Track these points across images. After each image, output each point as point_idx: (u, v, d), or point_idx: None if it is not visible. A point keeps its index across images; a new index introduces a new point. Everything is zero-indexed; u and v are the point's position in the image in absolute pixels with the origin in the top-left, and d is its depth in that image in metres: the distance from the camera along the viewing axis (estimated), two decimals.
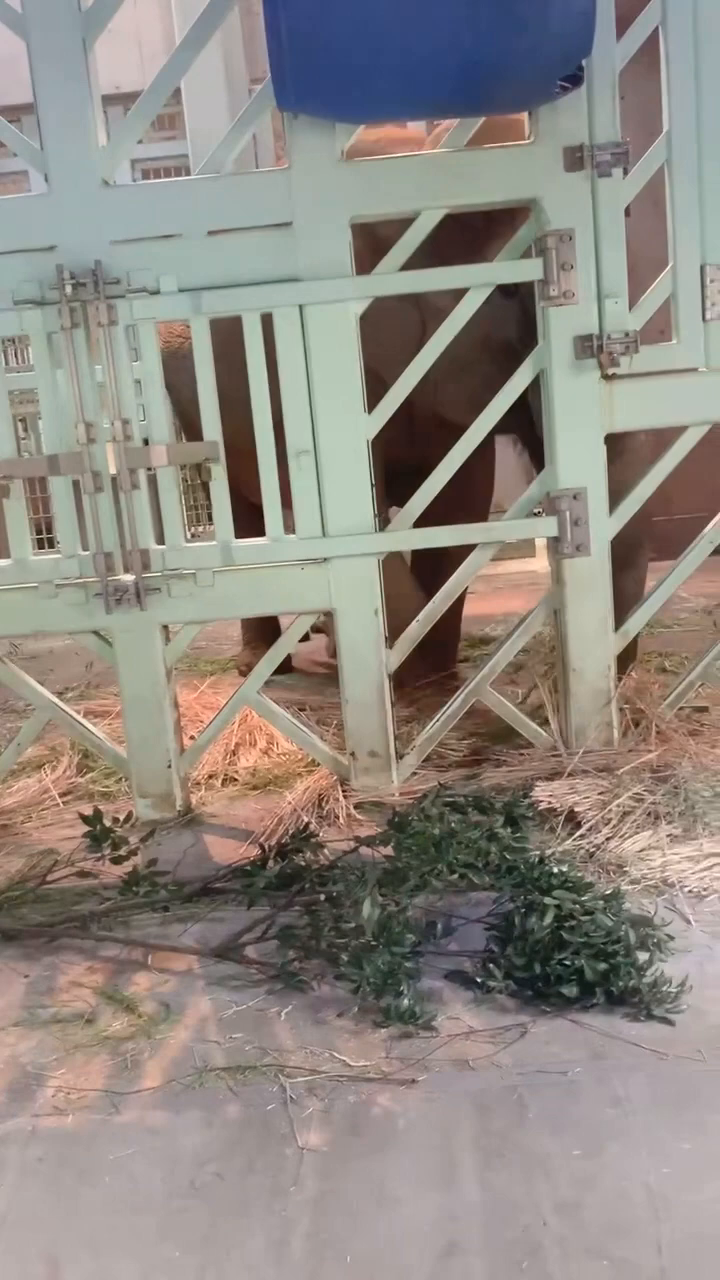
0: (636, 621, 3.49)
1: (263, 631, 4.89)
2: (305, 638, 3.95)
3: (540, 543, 4.86)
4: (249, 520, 3.47)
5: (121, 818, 3.13)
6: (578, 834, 2.96)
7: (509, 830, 2.80)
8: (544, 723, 3.56)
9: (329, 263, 3.18)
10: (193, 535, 3.43)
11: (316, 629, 4.80)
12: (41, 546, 3.53)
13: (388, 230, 3.26)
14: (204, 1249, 1.73)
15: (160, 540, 3.37)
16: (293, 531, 3.36)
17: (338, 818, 3.32)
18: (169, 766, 3.49)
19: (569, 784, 3.20)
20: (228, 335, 3.28)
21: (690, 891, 2.68)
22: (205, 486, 3.71)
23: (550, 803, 3.10)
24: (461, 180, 3.19)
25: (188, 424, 4.35)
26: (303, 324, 3.22)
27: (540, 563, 5.56)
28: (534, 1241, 1.69)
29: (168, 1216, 1.81)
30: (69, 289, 3.15)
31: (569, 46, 2.87)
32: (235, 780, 3.79)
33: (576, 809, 3.05)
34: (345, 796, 3.42)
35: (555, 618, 3.50)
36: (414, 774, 3.52)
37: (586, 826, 2.98)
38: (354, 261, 3.20)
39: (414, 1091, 2.05)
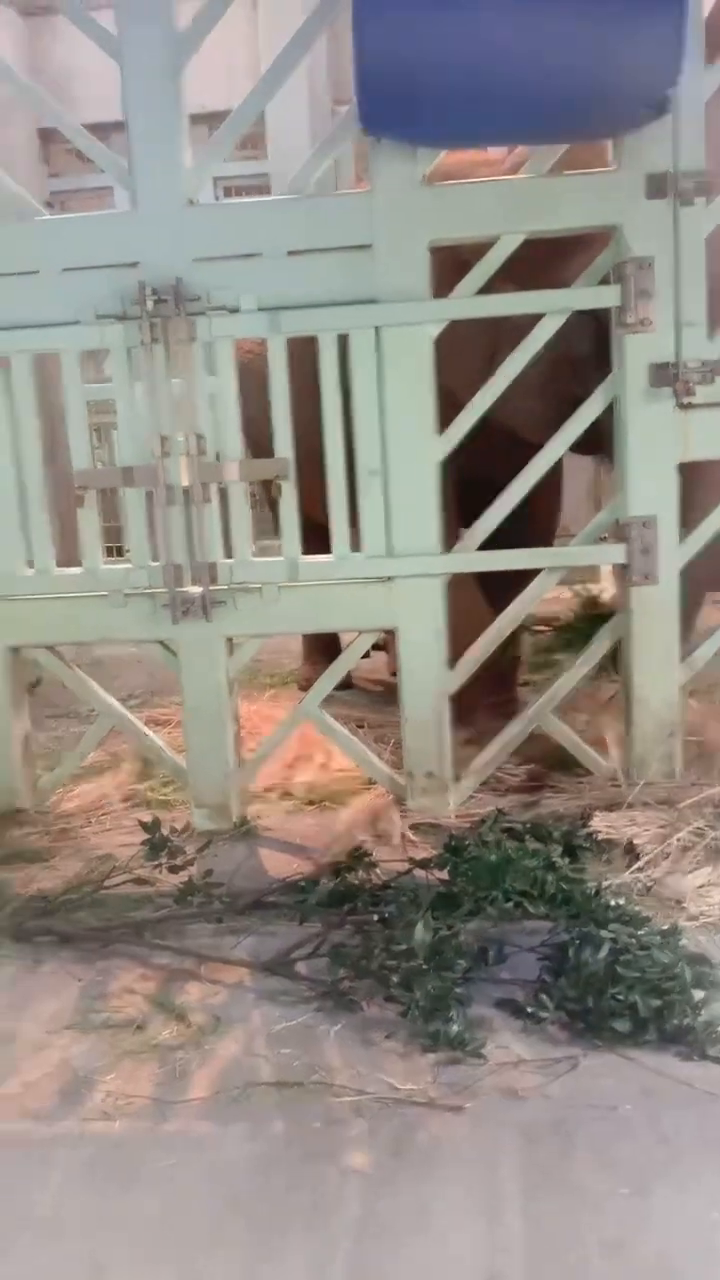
0: (705, 651, 3.44)
1: (323, 647, 4.92)
2: (365, 655, 3.96)
3: (606, 568, 4.82)
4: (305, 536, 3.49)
5: (179, 827, 3.16)
6: (636, 866, 2.92)
7: (566, 860, 2.78)
8: (604, 752, 3.52)
9: (407, 285, 3.20)
10: (256, 550, 3.46)
11: (377, 646, 4.81)
12: (109, 555, 3.57)
13: (463, 250, 3.27)
14: (245, 1263, 1.73)
15: (228, 554, 3.41)
16: (358, 550, 3.38)
17: (392, 838, 3.31)
18: (227, 778, 3.52)
19: (628, 815, 3.16)
20: (291, 355, 3.31)
21: None
22: (270, 502, 3.75)
23: (609, 834, 3.07)
24: (543, 206, 3.19)
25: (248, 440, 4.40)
26: (378, 345, 3.24)
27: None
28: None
29: (210, 1229, 1.81)
30: (150, 305, 3.21)
31: (656, 75, 2.86)
32: (291, 795, 3.81)
33: (635, 841, 3.02)
34: (401, 816, 3.42)
35: (620, 646, 3.47)
36: (471, 797, 3.50)
37: (645, 860, 2.94)
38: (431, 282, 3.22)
39: (460, 1119, 2.04)
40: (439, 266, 3.25)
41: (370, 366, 3.25)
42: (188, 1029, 2.38)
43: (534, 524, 3.88)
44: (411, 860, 2.97)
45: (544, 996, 2.31)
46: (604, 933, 2.35)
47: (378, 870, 2.91)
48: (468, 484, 3.72)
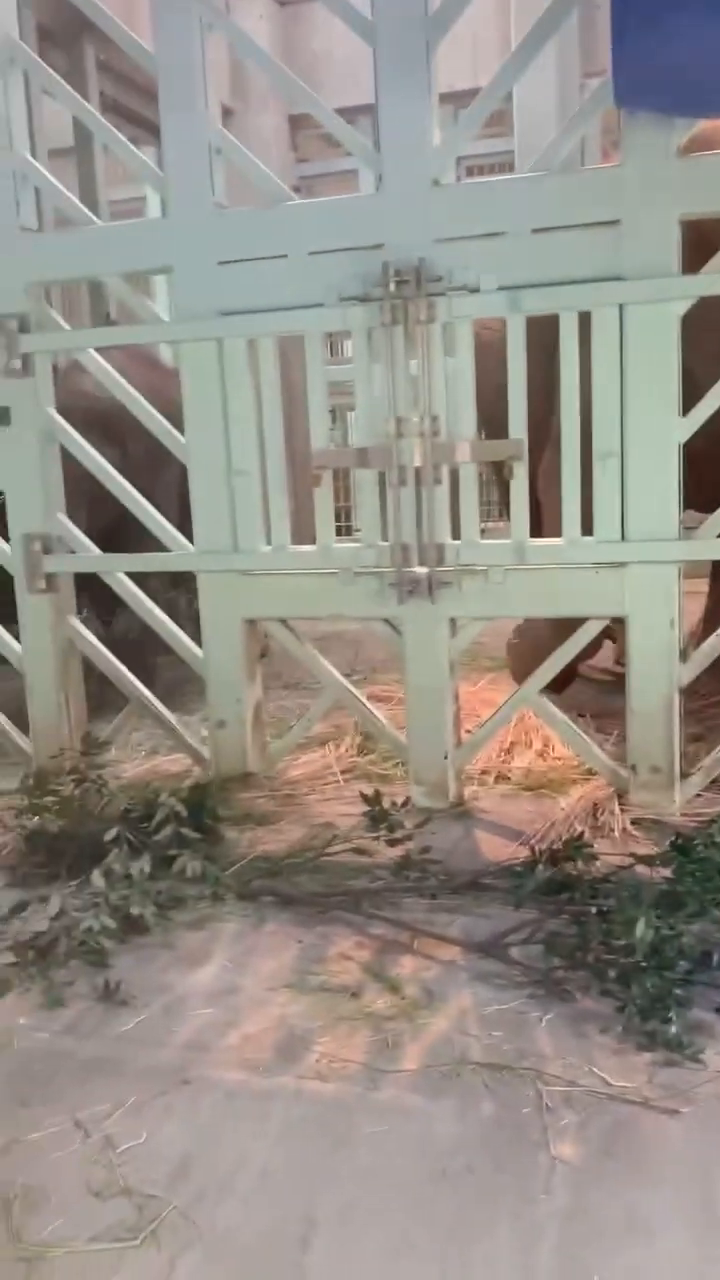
0: None
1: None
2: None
3: None
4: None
5: (399, 801, 3.21)
6: None
7: None
8: None
9: (655, 262, 3.09)
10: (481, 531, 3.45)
11: (605, 634, 4.69)
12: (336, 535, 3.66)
13: (704, 225, 3.12)
14: (449, 1239, 1.75)
15: (455, 535, 3.41)
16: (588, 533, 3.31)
17: (612, 831, 3.25)
18: (445, 758, 3.54)
19: None
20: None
21: None
22: (501, 483, 3.73)
23: None
24: None
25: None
26: (621, 324, 3.15)
27: None
28: None
29: (417, 1199, 1.84)
30: (392, 286, 3.25)
31: None
32: (508, 779, 3.80)
33: None
34: (621, 810, 3.34)
35: None
36: (698, 795, 3.38)
37: None
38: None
39: (676, 1122, 1.98)
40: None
41: (613, 345, 3.17)
42: (401, 1001, 2.43)
43: None
44: (634, 855, 2.90)
45: None
46: None
47: (597, 862, 2.86)
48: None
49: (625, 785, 3.42)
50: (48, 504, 3.87)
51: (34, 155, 3.83)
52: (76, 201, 3.80)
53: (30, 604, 3.94)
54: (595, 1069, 2.14)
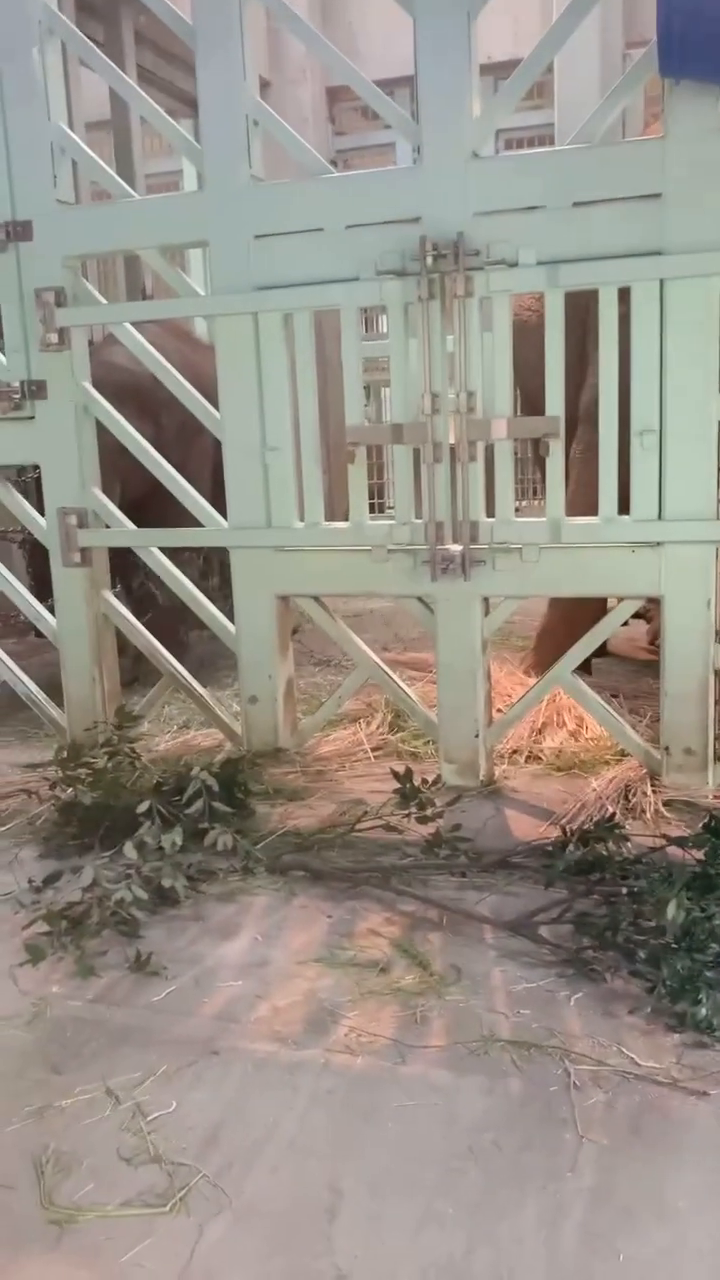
0: None
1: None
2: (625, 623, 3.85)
3: None
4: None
5: (430, 779, 3.21)
6: None
7: None
8: None
9: (698, 236, 3.04)
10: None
11: (638, 614, 4.66)
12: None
13: None
14: (476, 1213, 1.76)
15: (490, 513, 3.39)
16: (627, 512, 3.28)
17: (644, 812, 3.23)
18: (476, 736, 3.53)
19: None
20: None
21: None
22: (539, 461, 3.69)
23: None
24: None
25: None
26: (661, 299, 3.10)
27: None
28: None
29: (444, 1174, 1.85)
30: (430, 260, 3.22)
31: None
32: (539, 759, 3.79)
33: None
34: (654, 791, 3.32)
35: None
36: None
37: None
38: None
39: (705, 1104, 1.98)
40: None
41: (653, 321, 3.12)
42: (429, 977, 2.43)
43: None
44: (666, 837, 2.88)
45: None
46: None
47: (628, 843, 2.85)
48: None
49: (658, 767, 3.40)
50: (83, 478, 3.88)
51: (71, 127, 3.82)
52: (113, 174, 3.79)
53: (65, 578, 3.97)
54: (624, 1049, 2.14)
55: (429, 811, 3.10)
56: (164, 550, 3.91)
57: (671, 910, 2.32)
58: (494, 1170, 1.85)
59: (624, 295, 3.14)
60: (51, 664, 4.16)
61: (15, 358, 3.86)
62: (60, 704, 4.14)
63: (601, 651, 4.55)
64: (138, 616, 4.12)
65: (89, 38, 3.95)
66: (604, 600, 3.76)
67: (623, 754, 3.60)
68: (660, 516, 3.22)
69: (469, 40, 3.19)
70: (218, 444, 3.71)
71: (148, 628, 4.06)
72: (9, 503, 4.09)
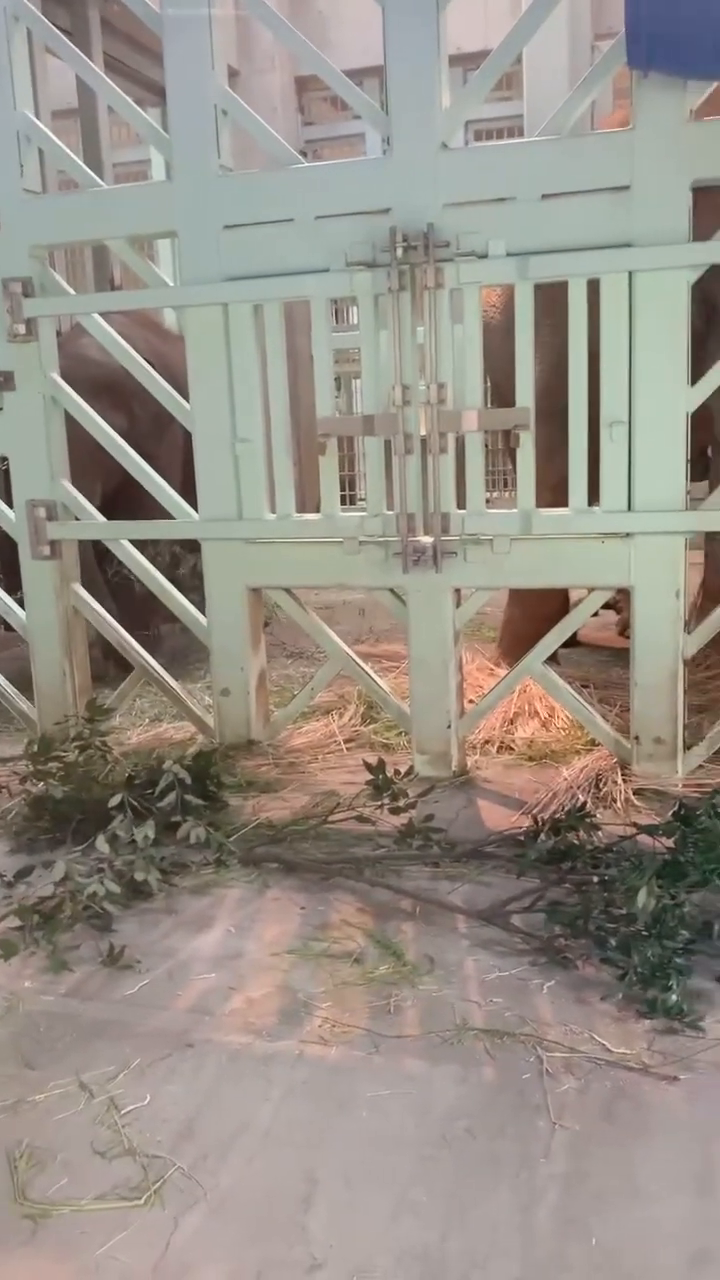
0: None
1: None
2: (595, 614, 3.87)
3: None
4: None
5: (402, 770, 3.22)
6: None
7: None
8: None
9: (666, 228, 3.06)
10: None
11: (607, 605, 4.69)
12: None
13: (715, 193, 3.08)
14: (450, 1200, 1.77)
15: (461, 504, 3.40)
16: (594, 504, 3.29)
17: (614, 801, 3.25)
18: (449, 727, 3.54)
19: None
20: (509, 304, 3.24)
21: None
22: (509, 452, 3.71)
23: None
24: None
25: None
26: (630, 291, 3.12)
27: None
28: None
29: (418, 1162, 1.86)
30: (400, 251, 3.21)
31: None
32: (511, 749, 3.80)
33: None
34: (624, 780, 3.35)
35: None
36: (700, 767, 3.38)
37: None
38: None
39: (675, 1089, 2.00)
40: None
41: (621, 313, 3.14)
42: (402, 967, 2.44)
43: None
44: (636, 825, 2.91)
45: None
46: None
47: (599, 832, 2.87)
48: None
49: (628, 756, 3.42)
50: (52, 470, 3.86)
51: (37, 116, 3.78)
52: (80, 163, 3.75)
53: (34, 570, 3.94)
54: (595, 1035, 2.16)
55: (402, 802, 3.10)
56: (134, 542, 3.90)
57: (642, 898, 2.34)
58: (468, 1158, 1.87)
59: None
60: (21, 657, 4.14)
61: None
62: (30, 697, 4.11)
63: (572, 641, 4.58)
64: (115, 604, 4.10)
65: (55, 25, 3.91)
66: (564, 590, 3.78)
67: (593, 743, 3.63)
68: (630, 508, 3.24)
69: (438, 31, 3.19)
70: (189, 436, 3.70)
71: (119, 621, 4.04)
72: None
